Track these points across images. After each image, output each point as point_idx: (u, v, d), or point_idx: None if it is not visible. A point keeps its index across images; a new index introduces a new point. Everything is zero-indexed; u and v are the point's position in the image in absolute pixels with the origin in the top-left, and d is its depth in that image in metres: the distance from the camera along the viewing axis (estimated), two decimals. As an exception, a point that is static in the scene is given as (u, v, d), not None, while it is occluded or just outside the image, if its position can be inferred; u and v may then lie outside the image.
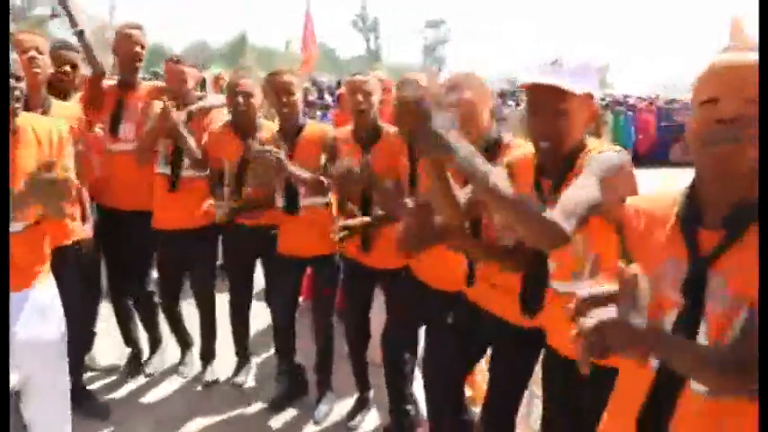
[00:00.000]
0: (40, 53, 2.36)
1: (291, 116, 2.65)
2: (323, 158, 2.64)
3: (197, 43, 40.66)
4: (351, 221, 2.50)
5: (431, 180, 1.49)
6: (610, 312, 0.94)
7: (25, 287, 1.87)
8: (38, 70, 2.32)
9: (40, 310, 1.93)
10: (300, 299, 3.32)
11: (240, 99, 2.74)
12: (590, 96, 1.46)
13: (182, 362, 3.26)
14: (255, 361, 3.35)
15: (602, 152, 1.42)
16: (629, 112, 13.21)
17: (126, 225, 2.92)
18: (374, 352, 2.87)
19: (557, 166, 1.48)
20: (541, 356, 1.76)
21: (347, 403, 2.95)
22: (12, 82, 1.73)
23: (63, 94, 2.63)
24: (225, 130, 2.86)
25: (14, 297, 1.82)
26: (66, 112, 2.45)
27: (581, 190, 1.29)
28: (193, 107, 2.88)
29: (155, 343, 3.28)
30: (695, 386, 1.02)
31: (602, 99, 14.25)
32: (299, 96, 2.66)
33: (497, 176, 1.24)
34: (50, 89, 2.49)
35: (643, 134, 13.04)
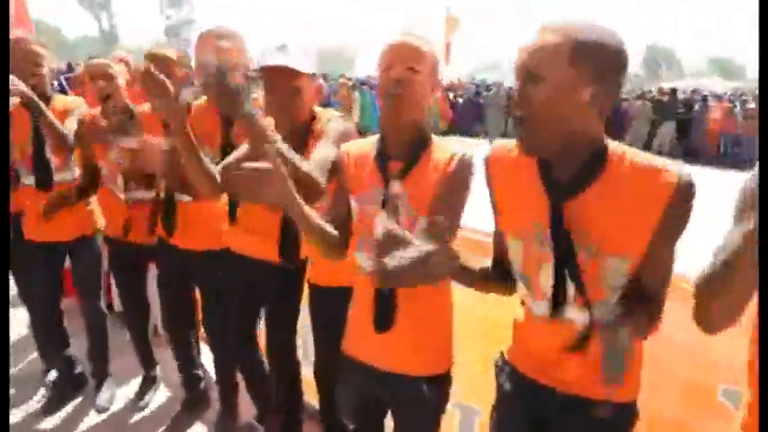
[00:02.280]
0: None
1: (38, 88, 2.40)
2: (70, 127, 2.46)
3: None
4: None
5: (184, 149, 1.64)
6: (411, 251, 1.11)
7: None
8: None
9: None
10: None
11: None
12: (314, 75, 1.79)
13: None
14: (13, 370, 3.05)
15: (331, 120, 1.76)
16: (373, 91, 14.66)
17: None
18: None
19: (294, 134, 1.76)
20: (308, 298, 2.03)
21: (133, 386, 2.93)
22: None
23: None
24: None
25: None
26: None
27: (324, 150, 1.63)
28: None
29: None
30: None
31: (349, 79, 15.57)
32: (46, 70, 2.44)
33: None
34: None
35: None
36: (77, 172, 2.59)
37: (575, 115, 1.07)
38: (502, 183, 1.26)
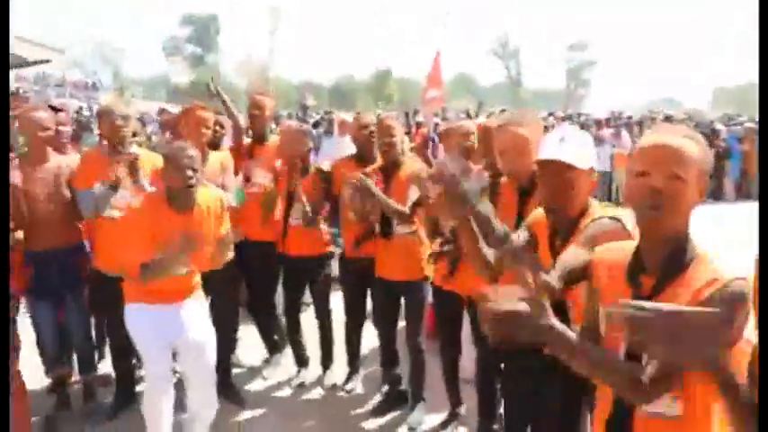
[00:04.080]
0: (208, 128, 3.33)
1: (390, 154, 3.15)
2: (413, 194, 3.03)
3: (343, 77, 43.87)
4: (439, 249, 2.88)
5: (463, 236, 1.75)
6: (515, 304, 1.12)
7: (178, 300, 2.62)
8: (205, 140, 3.33)
9: (191, 319, 2.63)
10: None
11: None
12: (591, 170, 1.75)
13: (297, 373, 3.79)
14: (364, 372, 3.82)
15: (599, 219, 1.68)
16: None
17: (256, 251, 3.60)
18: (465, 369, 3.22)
19: (565, 226, 1.77)
20: None
21: (442, 417, 3.28)
22: (189, 173, 2.48)
23: (215, 145, 3.61)
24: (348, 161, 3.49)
25: (168, 308, 2.57)
26: (218, 158, 3.43)
27: (570, 252, 1.58)
28: None
29: (273, 349, 3.96)
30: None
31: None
32: (398, 139, 3.14)
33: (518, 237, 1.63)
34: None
35: None
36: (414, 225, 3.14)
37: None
38: None
